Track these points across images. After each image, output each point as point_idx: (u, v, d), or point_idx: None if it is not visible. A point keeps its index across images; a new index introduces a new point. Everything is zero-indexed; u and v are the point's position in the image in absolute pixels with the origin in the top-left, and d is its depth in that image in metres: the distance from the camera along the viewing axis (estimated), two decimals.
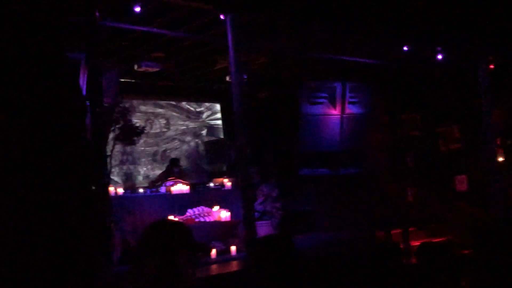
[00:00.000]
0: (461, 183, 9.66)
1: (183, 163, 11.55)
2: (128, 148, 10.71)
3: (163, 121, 11.92)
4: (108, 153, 6.88)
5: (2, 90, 3.50)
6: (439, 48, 8.88)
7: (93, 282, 4.05)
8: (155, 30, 7.29)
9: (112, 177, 9.18)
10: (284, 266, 2.02)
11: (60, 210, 3.67)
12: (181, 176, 9.72)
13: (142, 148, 11.45)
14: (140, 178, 11.35)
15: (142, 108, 11.56)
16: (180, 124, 12.19)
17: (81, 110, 4.48)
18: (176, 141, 12.10)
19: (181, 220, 7.42)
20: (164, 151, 11.82)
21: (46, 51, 3.90)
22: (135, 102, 11.18)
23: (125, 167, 11.13)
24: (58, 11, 4.15)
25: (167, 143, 11.95)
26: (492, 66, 9.02)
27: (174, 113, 12.15)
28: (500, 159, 9.22)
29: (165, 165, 10.67)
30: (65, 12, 4.28)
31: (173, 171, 9.76)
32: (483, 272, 2.63)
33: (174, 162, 10.04)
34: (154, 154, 11.67)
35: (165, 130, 11.95)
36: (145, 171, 11.49)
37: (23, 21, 3.70)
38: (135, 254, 2.04)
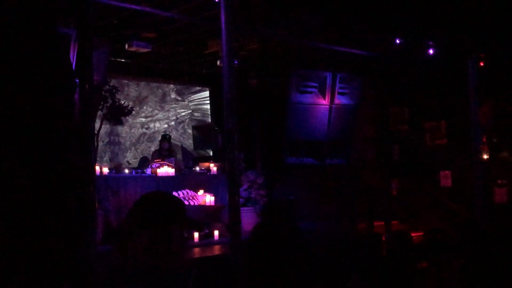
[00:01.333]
0: (446, 178, 9.73)
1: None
2: (116, 128, 10.67)
3: (151, 103, 11.85)
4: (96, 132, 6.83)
5: None
6: (430, 43, 8.89)
7: (76, 261, 4.03)
8: (147, 9, 7.20)
9: (97, 156, 9.13)
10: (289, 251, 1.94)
11: (45, 188, 3.64)
12: (170, 152, 9.70)
13: (129, 129, 11.39)
14: (127, 158, 11.30)
15: (131, 88, 11.48)
16: (168, 107, 12.13)
17: (71, 86, 4.42)
18: (164, 123, 12.05)
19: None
20: (153, 133, 11.76)
21: (37, 25, 3.84)
22: (124, 82, 11.11)
23: (111, 147, 11.08)
24: None
25: (155, 125, 11.90)
26: (482, 63, 9.06)
27: (163, 95, 12.08)
28: (485, 156, 9.29)
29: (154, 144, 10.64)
30: None
31: (163, 147, 9.73)
32: (466, 264, 2.67)
33: (165, 137, 10.00)
34: (141, 136, 11.62)
35: (154, 112, 11.89)
36: (132, 153, 11.44)
37: None
38: (124, 226, 1.93)
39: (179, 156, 10.50)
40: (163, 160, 9.00)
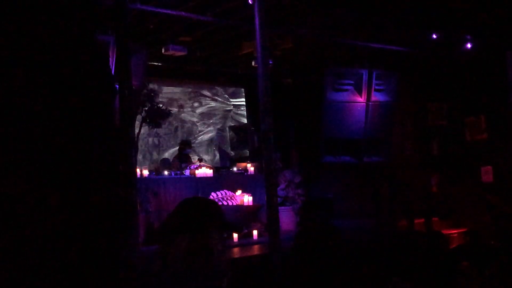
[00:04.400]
0: (487, 174, 9.54)
1: (206, 148, 11.64)
2: (155, 131, 10.84)
3: (188, 106, 12.00)
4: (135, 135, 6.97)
5: (33, 73, 3.58)
6: (468, 37, 8.74)
7: (118, 262, 4.14)
8: (182, 13, 7.32)
9: (140, 159, 9.31)
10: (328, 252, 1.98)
11: (87, 192, 3.76)
12: (188, 158, 9.70)
13: (167, 131, 11.56)
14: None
15: (169, 91, 11.65)
16: (205, 108, 12.25)
17: (111, 92, 4.55)
18: (202, 125, 12.18)
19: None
20: (190, 134, 11.90)
21: (76, 34, 3.97)
22: (162, 85, 11.28)
23: (151, 149, 11.28)
24: None
25: (193, 127, 12.03)
26: None
27: (200, 98, 12.22)
28: None
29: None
30: None
31: (183, 152, 9.79)
32: (507, 263, 2.64)
33: (185, 143, 10.05)
34: (180, 137, 11.76)
35: (191, 114, 12.03)
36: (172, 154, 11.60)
37: (54, 3, 3.76)
38: (164, 231, 1.99)
39: (217, 157, 10.61)
40: (178, 169, 9.02)
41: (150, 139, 11.23)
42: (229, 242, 7.26)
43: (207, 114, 12.25)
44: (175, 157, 10.10)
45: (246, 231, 7.88)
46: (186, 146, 9.89)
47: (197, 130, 12.04)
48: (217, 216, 2.00)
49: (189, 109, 12.01)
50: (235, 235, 7.56)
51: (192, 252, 1.91)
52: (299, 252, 1.99)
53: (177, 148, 10.44)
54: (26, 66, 3.61)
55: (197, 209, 2.01)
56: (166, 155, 11.43)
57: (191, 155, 10.17)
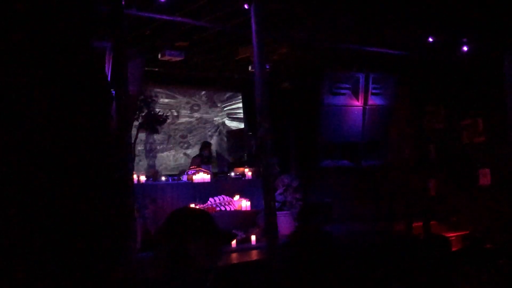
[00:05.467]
0: (484, 176, 9.55)
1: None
2: (153, 136, 10.87)
3: (184, 110, 11.98)
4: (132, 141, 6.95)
5: (31, 79, 3.57)
6: (464, 40, 8.75)
7: (116, 268, 4.12)
8: (178, 19, 7.31)
9: (136, 164, 9.28)
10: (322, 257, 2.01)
11: (85, 198, 3.74)
12: (209, 159, 9.94)
13: (165, 136, 11.54)
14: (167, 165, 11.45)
15: (165, 97, 11.63)
16: (202, 113, 12.23)
17: (107, 98, 4.53)
18: (199, 130, 12.16)
19: (202, 209, 7.48)
20: (187, 139, 11.89)
21: (73, 40, 3.95)
22: (158, 90, 11.27)
23: (149, 155, 11.26)
24: (85, 1, 4.19)
25: (189, 132, 12.01)
26: None
27: (197, 102, 12.20)
28: None
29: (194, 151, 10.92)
30: (91, 1, 4.33)
31: (204, 154, 9.99)
32: (506, 266, 2.62)
33: (205, 145, 10.28)
34: (178, 142, 11.74)
35: (188, 119, 12.01)
36: (170, 159, 11.58)
37: (50, 10, 3.75)
38: (154, 241, 2.09)
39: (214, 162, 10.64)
40: (199, 166, 9.14)
41: (148, 145, 11.21)
42: (228, 248, 7.23)
43: (203, 119, 12.24)
44: (194, 157, 10.27)
45: (244, 236, 7.85)
46: (205, 148, 10.12)
47: (193, 134, 12.02)
48: (202, 226, 2.05)
49: (186, 114, 11.99)
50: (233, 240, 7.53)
51: (172, 262, 1.97)
52: (291, 257, 2.02)
53: (172, 151, 10.57)
54: (23, 72, 3.59)
55: (177, 220, 2.07)
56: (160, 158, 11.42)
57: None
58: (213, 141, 12.27)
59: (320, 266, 1.92)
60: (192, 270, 1.96)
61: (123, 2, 5.12)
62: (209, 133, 12.29)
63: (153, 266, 2.02)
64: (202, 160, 9.77)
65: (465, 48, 8.84)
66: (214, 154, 11.50)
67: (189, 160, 10.53)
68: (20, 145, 3.54)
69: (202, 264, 1.99)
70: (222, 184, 8.89)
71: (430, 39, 8.51)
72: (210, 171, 9.03)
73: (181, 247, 1.97)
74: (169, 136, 11.58)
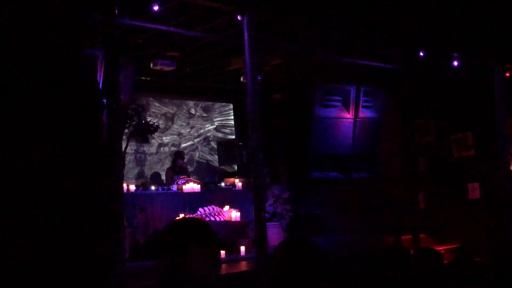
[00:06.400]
0: (474, 190, 9.59)
1: (194, 163, 11.61)
2: (143, 146, 10.82)
3: (176, 120, 11.97)
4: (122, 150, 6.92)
5: (21, 86, 3.55)
6: (455, 55, 8.84)
7: (105, 278, 4.08)
8: (171, 29, 7.33)
9: (124, 173, 9.24)
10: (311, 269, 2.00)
11: (74, 206, 3.71)
12: (183, 170, 9.74)
13: (155, 146, 11.51)
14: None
15: (157, 106, 11.62)
16: (193, 123, 12.23)
17: (98, 106, 4.52)
18: (189, 140, 12.15)
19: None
20: (178, 149, 11.87)
21: (64, 48, 3.94)
22: (150, 100, 11.26)
23: (138, 164, 11.22)
24: (77, 8, 4.19)
25: (181, 142, 11.99)
26: (508, 74, 8.96)
27: (188, 112, 12.19)
28: None
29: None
30: (84, 9, 4.32)
31: (178, 163, 9.77)
32: (496, 279, 2.63)
33: (179, 154, 10.03)
34: (167, 152, 11.71)
35: (179, 129, 12.00)
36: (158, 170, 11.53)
37: (43, 17, 3.74)
38: (151, 251, 2.09)
39: (203, 173, 10.57)
40: (172, 178, 9.04)
41: (138, 155, 11.18)
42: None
43: (194, 128, 12.23)
44: (168, 168, 10.08)
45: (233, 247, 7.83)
46: (179, 158, 9.88)
47: (184, 145, 12.00)
48: (200, 236, 2.04)
49: (177, 123, 11.98)
50: (222, 252, 7.51)
51: (172, 273, 1.97)
52: (277, 270, 2.02)
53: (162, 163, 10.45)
54: (13, 79, 3.57)
55: (175, 231, 2.07)
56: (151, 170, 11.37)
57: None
58: (203, 150, 12.25)
59: (307, 279, 1.91)
60: (191, 280, 1.94)
61: (116, 11, 5.12)
62: (199, 142, 12.28)
63: (148, 275, 2.01)
64: (175, 172, 9.56)
65: (455, 63, 8.92)
66: (203, 162, 11.47)
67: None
68: (9, 154, 3.51)
69: (203, 274, 1.97)
70: (212, 194, 8.86)
71: (421, 54, 8.58)
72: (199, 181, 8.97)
73: (182, 257, 1.97)
74: (160, 145, 11.56)
